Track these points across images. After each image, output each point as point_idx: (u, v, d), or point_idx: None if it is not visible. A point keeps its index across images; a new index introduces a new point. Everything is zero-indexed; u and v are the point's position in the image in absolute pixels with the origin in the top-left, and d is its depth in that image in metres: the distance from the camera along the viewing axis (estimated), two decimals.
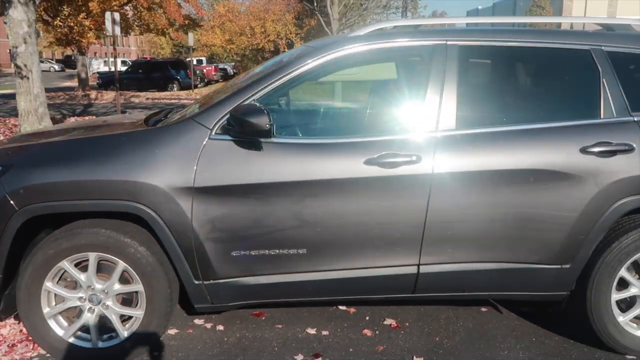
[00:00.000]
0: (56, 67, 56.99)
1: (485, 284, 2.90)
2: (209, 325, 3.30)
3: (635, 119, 2.80)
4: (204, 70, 32.03)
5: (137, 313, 2.79)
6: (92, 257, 2.70)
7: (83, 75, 24.23)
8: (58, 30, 22.37)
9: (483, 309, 3.53)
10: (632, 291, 2.93)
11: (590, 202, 2.75)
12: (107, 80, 26.08)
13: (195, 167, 2.63)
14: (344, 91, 3.51)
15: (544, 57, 2.93)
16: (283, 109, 3.10)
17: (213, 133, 2.68)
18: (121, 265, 2.72)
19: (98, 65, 44.95)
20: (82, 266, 2.76)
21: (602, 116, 2.81)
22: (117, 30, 12.10)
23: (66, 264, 2.70)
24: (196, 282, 2.76)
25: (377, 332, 3.24)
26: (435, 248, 2.79)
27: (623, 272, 2.88)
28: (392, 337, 3.18)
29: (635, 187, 2.74)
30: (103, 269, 2.78)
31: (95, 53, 58.66)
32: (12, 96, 12.37)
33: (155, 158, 2.64)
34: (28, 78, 8.69)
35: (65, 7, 21.14)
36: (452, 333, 3.23)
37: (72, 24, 21.92)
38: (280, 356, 2.96)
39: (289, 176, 2.66)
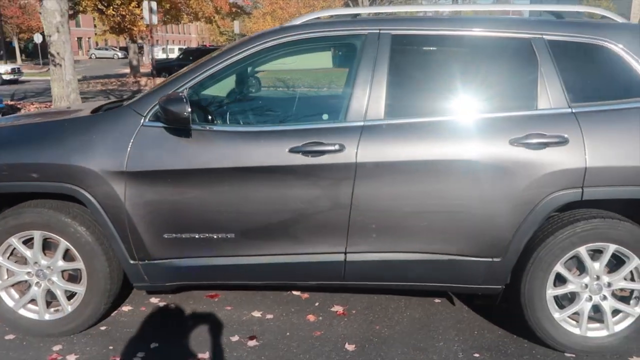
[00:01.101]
0: (119, 54, 59.25)
1: (416, 274, 2.90)
2: (162, 304, 3.45)
3: (573, 111, 2.71)
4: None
5: (80, 289, 2.97)
6: (37, 235, 2.89)
7: (134, 62, 25.11)
8: (111, 19, 23.24)
9: (436, 300, 3.51)
10: (569, 287, 2.85)
11: (520, 195, 2.69)
12: (160, 67, 26.94)
13: (127, 152, 2.76)
14: (280, 81, 3.55)
15: (481, 46, 2.86)
16: (218, 97, 3.18)
17: (146, 120, 2.80)
18: (63, 243, 2.90)
19: (157, 53, 46.41)
20: (30, 243, 2.95)
21: (538, 107, 2.73)
22: (155, 19, 12.49)
23: (14, 241, 2.91)
24: (132, 262, 2.90)
25: (320, 318, 3.30)
26: (362, 237, 2.81)
27: (559, 268, 2.80)
28: (334, 323, 3.23)
29: (568, 180, 2.66)
30: (50, 247, 2.97)
31: (157, 41, 60.65)
32: None
33: (92, 143, 2.79)
34: (61, 65, 9.13)
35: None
36: (395, 322, 3.24)
37: (124, 12, 22.73)
38: (217, 336, 3.07)
39: (217, 163, 2.75)
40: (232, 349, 2.95)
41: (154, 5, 12.66)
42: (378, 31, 2.82)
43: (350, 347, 2.97)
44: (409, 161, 2.70)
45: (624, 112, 2.70)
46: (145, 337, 3.06)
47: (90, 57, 57.77)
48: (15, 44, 52.16)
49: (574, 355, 2.90)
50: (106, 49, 60.56)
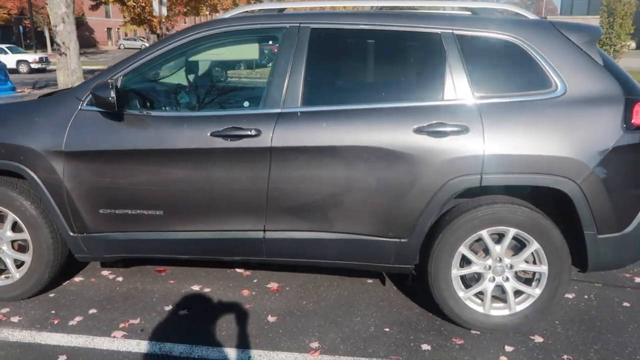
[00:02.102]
0: (147, 44, 60.09)
1: (331, 253, 3.10)
2: (111, 277, 3.74)
3: (477, 102, 2.87)
4: (274, 50, 32.68)
5: (27, 259, 3.26)
6: None
7: None
8: (132, 10, 23.76)
9: (369, 281, 3.72)
10: (473, 268, 3.02)
11: (423, 180, 2.86)
12: None
13: (66, 134, 3.03)
14: (212, 70, 3.77)
15: (394, 39, 3.03)
16: (156, 84, 3.42)
17: (84, 105, 3.06)
18: (11, 216, 3.19)
19: None
20: None
21: (444, 98, 2.90)
22: (164, 10, 12.81)
23: None
24: (72, 234, 3.18)
25: (254, 293, 3.53)
26: (279, 216, 3.02)
27: (463, 250, 2.98)
28: (265, 298, 3.46)
29: (467, 167, 2.83)
30: (2, 219, 3.26)
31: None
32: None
33: (35, 125, 3.07)
34: (66, 55, 9.53)
35: None
36: (322, 299, 3.46)
37: (143, 3, 23.21)
38: (152, 306, 3.34)
39: (145, 145, 2.99)
40: (162, 316, 3.21)
41: None
42: (298, 24, 3.02)
43: (271, 319, 3.20)
44: (321, 146, 2.90)
45: (522, 104, 2.85)
46: (87, 304, 3.34)
47: (119, 48, 58.79)
48: (46, 34, 53.48)
49: (478, 333, 3.07)
50: (134, 40, 61.56)
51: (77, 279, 3.70)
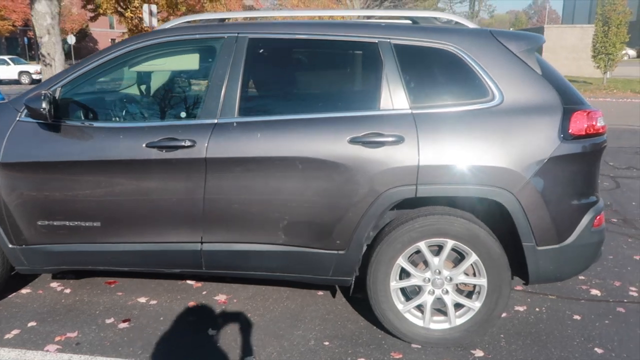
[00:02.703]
0: None
1: (270, 265, 3.06)
2: (59, 288, 3.70)
3: (413, 112, 2.84)
4: None
5: None
6: None
7: None
8: (129, 22, 23.92)
9: (319, 293, 3.67)
10: (412, 281, 2.97)
11: (359, 191, 2.83)
12: None
13: (3, 145, 3.01)
14: (153, 81, 3.75)
15: (332, 49, 3.02)
16: (96, 95, 3.41)
17: (22, 116, 3.05)
18: None
19: None
20: None
21: (380, 108, 2.87)
22: (154, 21, 12.87)
23: None
24: (10, 246, 3.15)
25: (200, 305, 3.49)
26: (216, 228, 2.99)
27: (402, 262, 2.93)
28: (211, 310, 3.42)
29: (402, 178, 2.79)
30: None
31: None
32: None
33: None
34: (51, 65, 9.57)
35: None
36: (268, 311, 3.41)
37: (141, 15, 23.34)
38: (93, 318, 3.30)
39: (81, 156, 2.98)
40: (101, 329, 3.17)
41: (154, 8, 13.08)
42: (236, 34, 3.00)
43: (212, 332, 3.16)
44: (256, 157, 2.87)
45: (458, 114, 2.82)
46: (28, 316, 3.31)
47: None
48: None
49: (419, 347, 3.01)
50: None
51: (24, 290, 3.66)
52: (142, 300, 3.54)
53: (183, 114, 3.14)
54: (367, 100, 2.93)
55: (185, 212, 2.98)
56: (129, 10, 23.15)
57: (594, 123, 2.84)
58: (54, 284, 3.76)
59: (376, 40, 2.92)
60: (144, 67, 3.31)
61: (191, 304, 3.50)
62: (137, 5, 23.10)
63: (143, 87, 3.73)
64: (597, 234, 2.95)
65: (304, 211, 2.90)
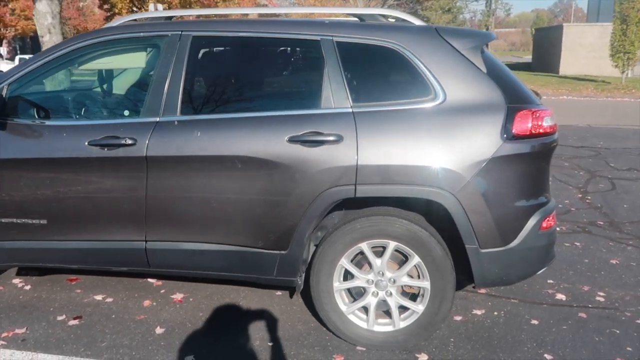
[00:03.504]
0: None
1: (215, 264, 3.04)
2: (20, 285, 3.74)
3: (353, 111, 2.79)
4: None
5: None
6: None
7: None
8: None
9: (277, 293, 3.64)
10: (356, 282, 2.93)
11: (298, 190, 2.79)
12: None
13: None
14: (104, 79, 3.76)
15: (274, 47, 2.99)
16: (46, 93, 3.43)
17: None
18: None
19: None
20: None
21: (321, 106, 2.83)
22: None
23: None
24: None
25: (155, 303, 3.49)
26: (159, 226, 2.98)
27: (344, 262, 2.89)
28: (165, 309, 3.42)
29: (341, 177, 2.75)
30: None
31: None
32: None
33: None
34: None
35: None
36: (220, 311, 3.40)
37: None
38: (46, 315, 3.32)
39: (26, 153, 3.00)
40: (51, 326, 3.19)
41: (160, 7, 13.19)
42: (180, 33, 2.99)
43: (159, 331, 3.15)
44: (196, 156, 2.86)
45: (398, 112, 2.76)
46: None
47: None
48: None
49: (363, 349, 2.97)
50: None
51: None
52: (99, 297, 3.55)
53: (127, 112, 3.14)
54: (308, 98, 2.89)
55: (128, 211, 2.98)
56: (142, 9, 23.39)
57: (539, 122, 2.76)
58: (16, 280, 3.80)
59: (319, 38, 2.88)
60: (92, 65, 3.32)
61: (146, 302, 3.50)
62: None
63: (98, 86, 3.75)
64: (546, 236, 2.87)
65: (245, 210, 2.88)
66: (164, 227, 2.98)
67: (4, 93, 3.02)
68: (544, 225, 2.85)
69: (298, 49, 2.95)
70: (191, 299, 3.55)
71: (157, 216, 2.96)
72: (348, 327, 2.95)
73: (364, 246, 2.85)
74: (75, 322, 3.24)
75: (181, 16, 3.26)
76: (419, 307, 2.88)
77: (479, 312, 3.40)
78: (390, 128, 2.74)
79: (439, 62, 2.79)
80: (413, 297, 2.96)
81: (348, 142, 2.74)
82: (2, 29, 38.83)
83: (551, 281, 3.88)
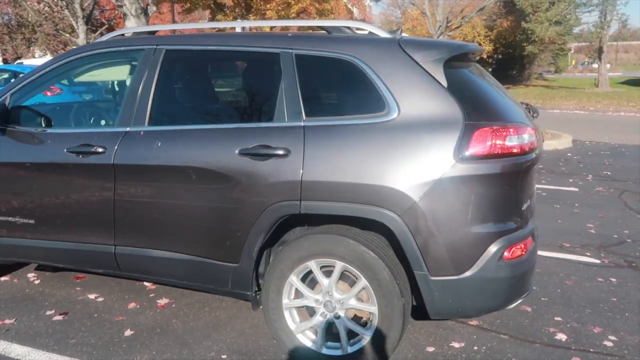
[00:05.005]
0: None
1: (175, 273, 3.09)
2: (32, 279, 4.05)
3: (304, 125, 2.73)
4: None
5: None
6: None
7: None
8: None
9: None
10: (305, 301, 2.84)
11: (246, 203, 2.78)
12: None
13: None
14: (92, 90, 3.92)
15: (236, 60, 3.00)
16: (43, 102, 3.69)
17: None
18: None
19: None
20: None
21: (273, 120, 2.80)
22: None
23: None
24: None
25: (139, 306, 3.62)
26: (125, 232, 3.10)
27: (293, 280, 2.81)
28: (145, 312, 3.53)
29: (286, 192, 2.69)
30: None
31: None
32: None
33: None
34: None
35: (250, 15, 23.87)
36: (194, 319, 3.44)
37: None
38: (37, 309, 3.56)
39: (16, 158, 3.26)
40: (36, 319, 3.41)
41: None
42: (155, 46, 3.10)
43: (128, 333, 3.26)
44: (155, 166, 2.94)
45: (347, 127, 2.65)
46: None
47: None
48: None
49: None
50: None
51: (3, 278, 4.05)
52: (92, 296, 3.75)
53: (103, 122, 3.30)
54: (264, 111, 2.87)
55: (100, 216, 3.12)
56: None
57: (501, 142, 2.52)
58: (30, 274, 4.12)
59: (278, 51, 2.85)
60: (86, 77, 3.53)
61: (131, 304, 3.64)
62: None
63: (90, 96, 3.99)
64: (509, 267, 2.60)
65: (200, 221, 2.91)
66: (130, 233, 3.09)
67: (7, 102, 3.30)
68: (507, 254, 2.59)
69: (259, 62, 2.94)
70: (174, 305, 3.63)
71: (124, 222, 3.07)
72: (297, 347, 2.86)
73: (312, 264, 2.76)
74: (60, 317, 3.44)
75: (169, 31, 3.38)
76: (366, 333, 2.73)
77: (456, 345, 3.14)
78: (338, 144, 2.65)
79: (395, 76, 2.65)
80: (364, 322, 2.81)
81: (294, 156, 2.67)
82: None
83: (559, 318, 3.50)
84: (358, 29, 2.95)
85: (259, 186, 2.73)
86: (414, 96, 2.61)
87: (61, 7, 16.20)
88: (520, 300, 2.80)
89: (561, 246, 4.92)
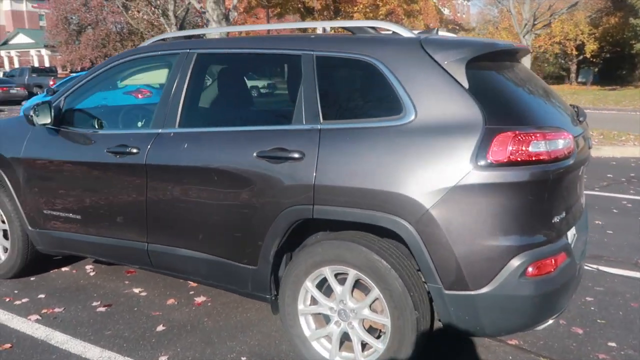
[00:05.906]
0: None
1: (202, 272, 3.15)
2: (89, 271, 4.31)
3: (320, 127, 2.67)
4: None
5: (8, 245, 3.98)
6: None
7: None
8: None
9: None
10: (319, 308, 2.78)
11: (263, 206, 2.77)
12: None
13: (24, 144, 3.67)
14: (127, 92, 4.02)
15: (261, 63, 3.00)
16: (94, 105, 3.86)
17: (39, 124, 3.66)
18: None
19: None
20: None
21: (291, 122, 2.77)
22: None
23: None
24: (30, 229, 3.80)
25: (177, 303, 3.73)
26: (157, 230, 3.20)
27: (308, 286, 2.77)
28: (181, 309, 3.63)
29: (300, 196, 2.65)
30: None
31: None
32: None
33: (4, 136, 3.79)
34: None
35: (338, 17, 24.04)
36: (227, 318, 3.48)
37: None
38: (85, 299, 3.77)
39: (65, 157, 3.48)
40: (82, 309, 3.62)
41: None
42: (188, 50, 3.18)
43: (160, 328, 3.36)
44: (181, 166, 3.02)
45: (363, 130, 2.56)
46: (44, 290, 3.92)
47: None
48: None
49: None
50: None
51: (64, 268, 4.35)
52: (137, 290, 3.91)
53: (140, 124, 3.43)
54: (283, 114, 2.85)
55: (134, 213, 3.25)
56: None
57: (525, 148, 2.32)
58: (88, 266, 4.38)
59: (300, 53, 2.81)
60: (130, 81, 3.69)
61: (170, 300, 3.76)
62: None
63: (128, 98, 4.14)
64: (533, 284, 2.38)
65: (221, 222, 2.94)
66: (161, 231, 3.19)
67: (61, 105, 3.53)
68: (532, 270, 2.37)
69: (282, 64, 2.92)
70: (209, 304, 3.71)
71: (156, 221, 3.18)
72: (311, 354, 2.81)
73: (326, 271, 2.69)
74: (103, 309, 3.63)
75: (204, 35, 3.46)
76: (379, 346, 2.62)
77: None
78: (352, 147, 2.56)
79: (414, 77, 2.52)
80: (379, 333, 2.70)
81: (309, 160, 2.62)
82: None
83: (613, 344, 3.16)
84: (383, 29, 2.83)
85: (275, 189, 2.71)
86: (432, 98, 2.47)
87: (157, 15, 17.19)
88: (550, 322, 2.55)
89: (636, 264, 4.46)
